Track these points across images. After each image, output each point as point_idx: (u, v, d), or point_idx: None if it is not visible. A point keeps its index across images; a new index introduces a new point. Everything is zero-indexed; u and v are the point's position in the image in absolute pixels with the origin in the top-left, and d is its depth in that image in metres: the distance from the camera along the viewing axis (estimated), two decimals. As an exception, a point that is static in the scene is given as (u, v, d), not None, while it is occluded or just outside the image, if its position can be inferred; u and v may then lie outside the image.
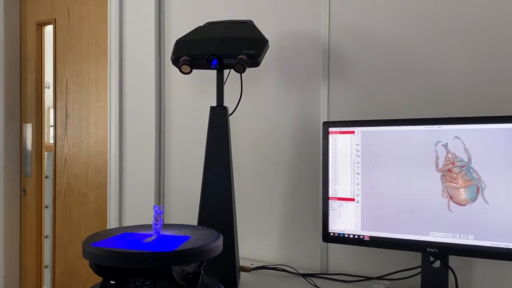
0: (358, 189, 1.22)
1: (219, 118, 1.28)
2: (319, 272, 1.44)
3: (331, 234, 1.26)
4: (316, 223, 1.49)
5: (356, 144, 1.22)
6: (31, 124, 2.44)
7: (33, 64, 2.45)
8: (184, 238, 0.88)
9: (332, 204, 1.26)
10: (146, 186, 1.87)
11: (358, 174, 1.22)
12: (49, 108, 2.44)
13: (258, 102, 1.60)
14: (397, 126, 1.17)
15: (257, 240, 1.60)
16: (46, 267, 2.48)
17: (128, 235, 0.91)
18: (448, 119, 1.12)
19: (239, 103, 1.43)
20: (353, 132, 1.23)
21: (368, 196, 1.20)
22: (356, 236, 1.22)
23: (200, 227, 1.00)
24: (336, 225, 1.25)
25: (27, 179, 2.47)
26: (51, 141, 2.38)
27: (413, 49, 1.33)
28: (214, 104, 1.31)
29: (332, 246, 1.46)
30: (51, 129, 2.38)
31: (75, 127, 2.24)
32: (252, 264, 1.51)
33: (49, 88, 2.44)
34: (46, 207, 2.46)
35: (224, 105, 1.29)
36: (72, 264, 2.29)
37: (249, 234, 1.62)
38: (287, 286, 1.30)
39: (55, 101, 2.32)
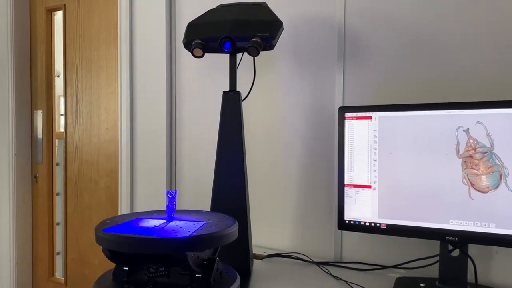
0: (375, 176, 1.18)
1: (232, 103, 1.26)
2: (333, 260, 1.42)
3: (347, 221, 1.23)
4: (330, 211, 1.46)
5: (374, 130, 1.19)
6: (41, 111, 2.43)
7: (43, 51, 2.43)
8: (198, 224, 0.86)
9: (347, 191, 1.23)
10: (157, 173, 1.86)
11: (375, 160, 1.18)
12: (59, 97, 2.43)
13: (271, 87, 1.57)
14: (417, 111, 1.13)
15: (270, 227, 1.58)
16: (58, 253, 2.49)
17: (142, 220, 0.89)
18: (470, 103, 1.08)
19: (252, 88, 1.40)
20: (370, 118, 1.20)
21: (386, 183, 1.17)
22: (373, 224, 1.19)
23: (214, 213, 0.98)
24: (352, 213, 1.22)
25: (38, 166, 2.47)
26: (62, 130, 2.37)
27: (432, 32, 1.29)
28: (227, 89, 1.28)
29: (347, 234, 1.44)
30: (62, 117, 2.37)
31: (85, 114, 2.23)
32: (264, 252, 1.49)
33: (59, 76, 2.42)
34: (58, 194, 2.47)
35: (237, 90, 1.27)
36: (84, 251, 2.29)
37: (262, 221, 1.60)
38: (301, 274, 1.28)
39: (66, 88, 2.31)
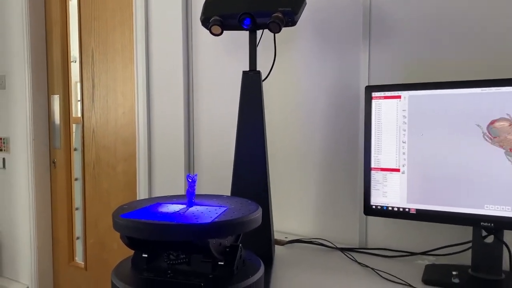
0: (404, 159, 1.12)
1: (252, 83, 1.20)
2: (358, 247, 1.37)
3: (373, 207, 1.18)
4: (354, 195, 1.41)
5: (403, 110, 1.12)
6: (58, 95, 2.41)
7: (59, 35, 2.40)
8: (220, 209, 0.81)
9: (374, 175, 1.17)
10: (175, 157, 1.82)
11: (405, 142, 1.12)
12: (76, 83, 2.40)
13: (293, 66, 1.51)
14: (450, 89, 1.06)
15: (291, 212, 1.54)
16: (78, 238, 2.50)
17: (161, 205, 0.85)
18: (509, 80, 1.00)
19: (273, 67, 1.34)
20: (399, 97, 1.13)
21: (415, 166, 1.11)
22: (401, 209, 1.13)
23: (236, 198, 0.94)
24: (379, 198, 1.17)
25: (56, 151, 2.47)
26: (79, 115, 2.35)
27: (462, 7, 1.20)
28: (246, 69, 1.22)
29: (372, 219, 1.38)
30: (79, 103, 2.34)
31: (102, 98, 2.20)
32: (286, 237, 1.45)
33: (75, 62, 2.39)
34: (76, 179, 2.46)
35: (257, 69, 1.21)
36: (103, 236, 2.29)
37: (282, 205, 1.56)
38: (324, 260, 1.23)
39: (82, 72, 2.28)
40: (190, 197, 0.83)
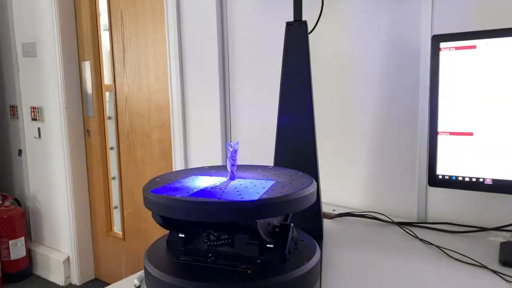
0: (479, 121, 0.95)
1: (297, 36, 1.04)
2: (417, 221, 1.22)
3: (440, 177, 1.02)
4: (412, 163, 1.25)
5: (478, 63, 0.94)
6: (89, 62, 2.33)
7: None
8: (267, 183, 0.68)
9: (442, 140, 1.00)
10: (211, 123, 1.70)
11: (480, 101, 0.94)
12: (107, 51, 2.30)
13: (342, 17, 1.33)
14: (541, 34, 0.87)
15: (338, 181, 1.40)
16: (115, 208, 2.46)
17: (198, 178, 0.73)
18: None
19: (320, 17, 1.17)
20: (474, 47, 0.95)
21: (492, 130, 0.94)
22: (474, 180, 0.97)
23: (284, 169, 0.81)
24: (447, 167, 1.00)
25: (90, 120, 2.40)
26: (110, 82, 2.26)
27: None
28: (290, 19, 1.06)
29: (433, 190, 1.23)
30: (110, 71, 2.25)
31: (133, 62, 2.09)
32: (334, 210, 1.31)
33: (106, 30, 2.29)
34: (111, 148, 2.40)
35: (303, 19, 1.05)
36: (140, 206, 2.24)
37: (328, 173, 1.42)
38: (380, 236, 1.10)
39: (111, 35, 2.17)
40: (232, 168, 0.71)
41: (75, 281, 2.48)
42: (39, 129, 2.49)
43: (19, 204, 2.66)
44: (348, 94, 1.35)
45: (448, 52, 0.97)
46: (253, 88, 1.58)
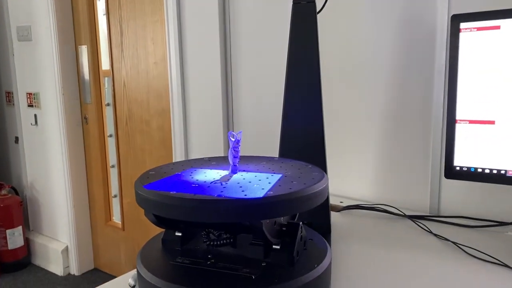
0: (502, 108, 0.88)
1: (305, 16, 0.96)
2: (430, 214, 1.16)
3: (457, 168, 0.95)
4: (425, 152, 1.18)
5: (503, 45, 0.86)
6: (86, 46, 2.24)
7: (83, -22, 2.20)
8: (273, 177, 0.61)
9: (460, 129, 0.93)
10: (213, 110, 1.63)
11: (503, 86, 0.87)
12: (105, 36, 2.21)
13: (351, -1, 1.25)
14: None
15: (346, 171, 1.33)
16: (115, 196, 2.41)
17: (196, 171, 0.66)
18: None
19: (329, -2, 1.09)
20: (498, 27, 0.87)
21: (517, 117, 0.86)
22: (495, 172, 0.90)
23: (292, 161, 0.74)
24: (465, 157, 0.93)
25: (88, 106, 2.33)
26: (108, 67, 2.19)
27: None
28: (297, -1, 0.98)
29: (447, 182, 1.16)
30: (108, 55, 2.17)
31: (131, 46, 2.01)
32: (341, 202, 1.25)
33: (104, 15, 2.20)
34: (110, 136, 2.33)
35: (312, -2, 0.97)
36: (139, 195, 2.18)
37: (336, 163, 1.35)
38: (391, 231, 1.03)
39: (108, 18, 2.09)
40: (234, 161, 0.64)
41: (74, 271, 2.43)
42: (35, 115, 2.43)
43: (17, 193, 2.60)
44: (357, 78, 1.27)
45: (469, 34, 0.90)
46: (257, 72, 1.51)
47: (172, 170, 0.67)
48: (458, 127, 0.93)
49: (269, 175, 0.63)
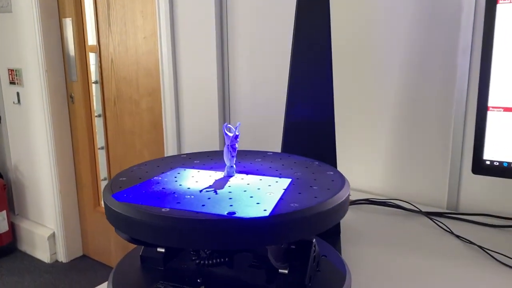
0: (546, 94, 0.75)
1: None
2: (448, 211, 1.04)
3: (487, 163, 0.82)
4: (444, 142, 1.05)
5: (551, 18, 0.73)
6: (70, 19, 2.08)
7: None
8: (281, 182, 0.49)
9: (493, 117, 0.80)
10: (207, 90, 1.49)
11: (550, 68, 0.74)
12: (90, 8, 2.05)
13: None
14: None
15: (356, 161, 1.20)
16: (104, 179, 2.28)
17: (184, 174, 0.53)
18: None
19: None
20: (544, -2, 0.73)
21: None
22: (533, 168, 0.78)
23: (297, 157, 0.61)
24: (498, 151, 0.81)
25: (73, 84, 2.18)
26: (94, 43, 2.03)
27: None
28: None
29: (468, 175, 1.04)
30: (94, 29, 2.00)
31: (119, 20, 1.85)
32: (349, 195, 1.12)
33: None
34: (99, 116, 2.19)
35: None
36: (129, 180, 2.05)
37: (344, 152, 1.22)
38: (406, 230, 0.91)
39: (94, -11, 1.92)
40: (231, 160, 0.51)
41: (62, 258, 2.32)
42: (18, 93, 2.27)
43: (0, 176, 2.47)
44: (370, 57, 1.13)
45: (509, 5, 0.76)
46: (256, 48, 1.36)
47: (153, 171, 0.54)
48: (490, 115, 0.80)
49: (277, 179, 0.50)
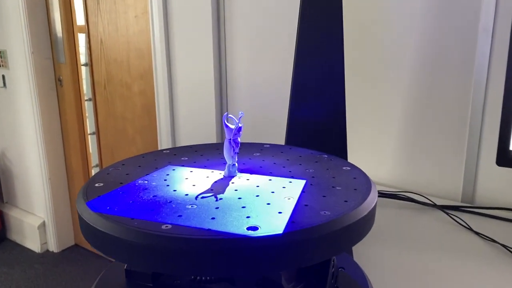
0: None
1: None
2: (463, 204, 0.96)
3: (514, 154, 0.74)
4: (460, 129, 0.97)
5: None
6: (57, -4, 1.96)
7: None
8: (295, 185, 0.40)
9: (522, 103, 0.72)
10: (203, 71, 1.40)
11: None
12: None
13: None
14: None
15: (364, 149, 1.12)
16: (96, 166, 2.19)
17: (174, 175, 0.44)
18: None
19: None
20: None
21: None
22: None
23: (305, 150, 0.52)
24: (527, 140, 0.73)
25: (62, 67, 2.07)
26: (83, 22, 1.92)
27: None
28: None
29: (486, 166, 0.96)
30: (82, 6, 1.89)
31: (108, -3, 1.74)
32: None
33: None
34: (89, 99, 2.09)
35: None
36: (121, 167, 1.96)
37: (352, 138, 1.14)
38: (420, 225, 0.84)
39: (81, -36, 1.80)
40: (233, 157, 0.42)
41: (53, 247, 2.24)
42: (3, 76, 2.16)
43: (-12, 162, 2.37)
44: (381, 37, 1.04)
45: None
46: (257, 27, 1.27)
47: (136, 170, 0.45)
48: (520, 101, 0.72)
49: (290, 179, 0.42)
